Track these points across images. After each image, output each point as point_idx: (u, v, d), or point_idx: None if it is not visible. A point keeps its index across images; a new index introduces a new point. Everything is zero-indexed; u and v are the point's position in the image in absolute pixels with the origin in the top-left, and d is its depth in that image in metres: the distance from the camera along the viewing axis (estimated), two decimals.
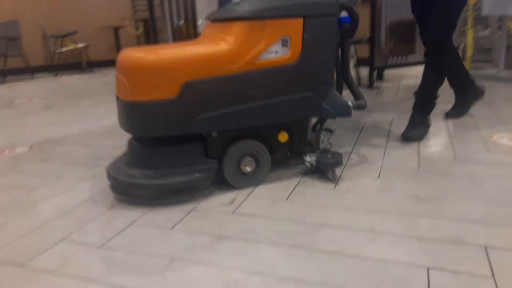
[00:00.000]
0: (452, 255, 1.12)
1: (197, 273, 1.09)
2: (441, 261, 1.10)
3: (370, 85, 3.71)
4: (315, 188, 1.60)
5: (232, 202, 1.51)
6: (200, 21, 2.62)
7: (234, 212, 1.43)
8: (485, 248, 1.14)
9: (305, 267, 1.10)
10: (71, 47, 6.06)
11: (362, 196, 1.51)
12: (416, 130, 2.13)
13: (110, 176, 1.56)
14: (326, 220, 1.35)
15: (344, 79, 1.77)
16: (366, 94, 3.42)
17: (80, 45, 6.11)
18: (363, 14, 4.47)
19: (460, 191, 1.51)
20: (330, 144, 1.91)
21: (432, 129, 2.25)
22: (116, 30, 6.54)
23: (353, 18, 1.64)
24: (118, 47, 6.62)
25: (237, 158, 1.59)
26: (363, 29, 4.83)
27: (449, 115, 2.51)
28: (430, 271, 1.06)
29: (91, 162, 2.02)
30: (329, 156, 1.67)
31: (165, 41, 3.27)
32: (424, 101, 2.18)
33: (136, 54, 1.46)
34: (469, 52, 4.07)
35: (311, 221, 1.34)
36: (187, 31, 3.27)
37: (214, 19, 1.69)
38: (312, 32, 1.54)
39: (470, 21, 4.02)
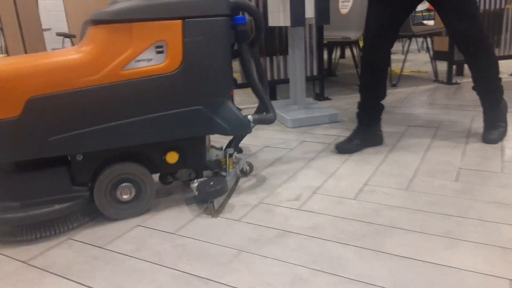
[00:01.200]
0: None
1: (263, 266, 1.10)
2: None
3: (449, 81, 3.49)
4: (385, 188, 1.54)
5: (297, 198, 1.50)
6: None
7: (300, 208, 1.42)
8: None
9: (374, 270, 1.06)
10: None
11: (437, 199, 1.42)
12: (493, 133, 1.94)
13: None
14: (397, 222, 1.29)
15: (252, 89, 1.54)
16: (444, 90, 3.23)
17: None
18: None
19: None
20: (249, 164, 1.78)
21: None
22: None
23: (255, 20, 1.46)
24: None
25: (111, 184, 1.37)
26: (440, 20, 4.54)
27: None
28: None
29: None
30: (211, 184, 1.42)
31: None
32: (486, 97, 1.96)
33: None
34: None
35: (380, 222, 1.29)
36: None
37: (89, 22, 1.44)
38: (194, 36, 1.32)
39: None
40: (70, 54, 1.27)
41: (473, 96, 2.13)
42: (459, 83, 3.45)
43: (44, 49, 4.12)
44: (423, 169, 1.69)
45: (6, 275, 1.13)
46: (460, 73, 3.82)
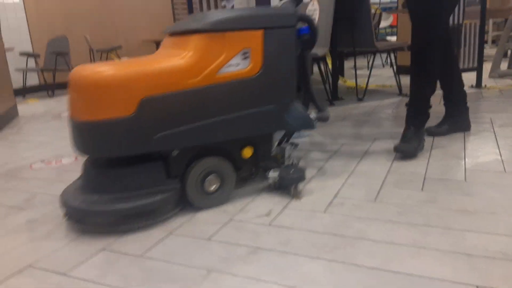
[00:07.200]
0: (503, 273, 1.05)
1: (234, 285, 1.08)
2: (490, 279, 1.03)
3: None
4: (354, 200, 1.55)
5: (268, 213, 1.49)
6: None
7: (271, 224, 1.41)
8: None
9: (345, 283, 1.06)
10: (116, 60, 6.32)
11: (404, 209, 1.45)
12: (408, 145, 1.98)
13: (64, 203, 1.46)
14: (365, 233, 1.30)
15: (306, 91, 1.72)
16: None
17: (124, 58, 6.35)
18: (404, 19, 4.36)
19: (511, 204, 1.42)
20: (298, 159, 1.88)
21: (478, 140, 2.14)
22: (158, 43, 6.76)
23: (312, 29, 1.61)
24: None
25: (201, 176, 1.51)
26: (403, 36, 4.72)
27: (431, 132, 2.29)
28: None
29: None
30: (292, 171, 1.60)
31: None
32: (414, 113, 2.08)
33: (88, 70, 1.37)
34: None
35: (350, 234, 1.30)
36: None
37: (172, 32, 1.64)
38: (272, 44, 1.51)
39: None
40: (174, 58, 1.43)
41: (436, 108, 2.20)
42: None
43: (6, 69, 3.99)
44: (390, 180, 1.72)
45: None
46: None
